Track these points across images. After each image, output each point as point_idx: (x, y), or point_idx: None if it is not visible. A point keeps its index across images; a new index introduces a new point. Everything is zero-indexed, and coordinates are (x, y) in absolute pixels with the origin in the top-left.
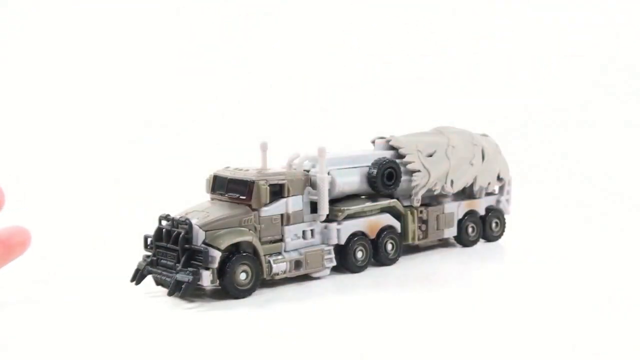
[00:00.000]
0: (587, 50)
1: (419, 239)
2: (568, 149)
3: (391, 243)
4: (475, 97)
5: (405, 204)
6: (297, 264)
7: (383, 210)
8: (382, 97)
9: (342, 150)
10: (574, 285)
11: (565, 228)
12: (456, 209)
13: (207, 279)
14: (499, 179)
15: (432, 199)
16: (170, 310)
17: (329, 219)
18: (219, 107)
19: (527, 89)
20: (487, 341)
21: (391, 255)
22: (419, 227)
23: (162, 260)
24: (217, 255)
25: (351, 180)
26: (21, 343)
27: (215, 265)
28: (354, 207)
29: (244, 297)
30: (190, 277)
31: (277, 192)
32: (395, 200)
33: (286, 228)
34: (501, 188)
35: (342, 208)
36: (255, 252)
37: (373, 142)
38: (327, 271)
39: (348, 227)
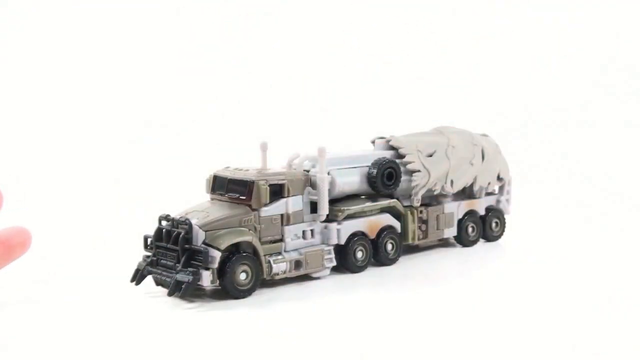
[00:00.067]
0: (587, 50)
1: (419, 239)
2: (568, 149)
3: (391, 243)
4: (475, 97)
5: (405, 204)
6: (297, 264)
7: (383, 210)
8: (382, 97)
9: (342, 150)
10: (574, 285)
11: (565, 228)
12: (456, 209)
13: (207, 279)
14: (499, 178)
15: (432, 199)
16: (170, 310)
17: (329, 219)
18: (219, 107)
19: (527, 89)
20: (487, 341)
21: (391, 255)
22: (419, 227)
23: (162, 261)
24: (217, 255)
25: (351, 180)
26: (21, 343)
27: (215, 265)
28: (354, 207)
29: (244, 297)
30: (190, 277)
31: (277, 192)
32: (395, 200)
33: (286, 228)
34: (501, 188)
35: (342, 208)
36: (255, 252)
37: (373, 142)
38: (327, 271)
39: (348, 227)
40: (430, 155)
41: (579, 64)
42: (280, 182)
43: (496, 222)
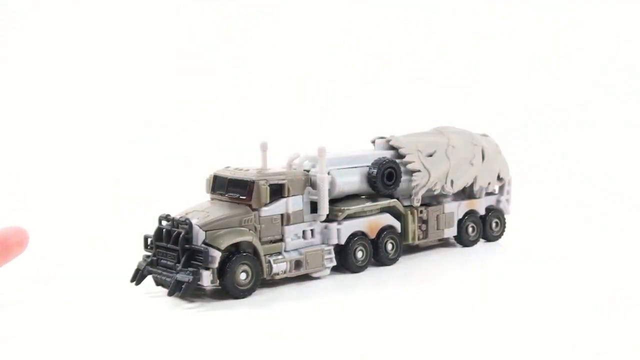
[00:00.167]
0: (587, 50)
1: (419, 239)
2: (568, 149)
3: (391, 243)
4: (475, 97)
5: (406, 203)
6: (297, 263)
7: (383, 210)
8: (382, 97)
9: (342, 150)
10: (574, 285)
11: (565, 228)
12: (456, 209)
13: (207, 279)
14: (499, 178)
15: (432, 199)
16: (170, 310)
17: (329, 219)
18: (219, 107)
19: (527, 89)
20: (487, 341)
21: (391, 255)
22: (419, 227)
23: (162, 260)
24: (217, 255)
25: (351, 180)
26: (21, 343)
27: (216, 265)
28: (354, 207)
29: (244, 297)
30: (191, 277)
31: (277, 192)
32: (395, 200)
33: (286, 228)
34: (501, 188)
35: (342, 208)
36: (255, 252)
37: (373, 142)
38: (327, 271)
39: (348, 227)
40: (431, 155)
41: (579, 64)
42: (280, 182)
43: (496, 222)
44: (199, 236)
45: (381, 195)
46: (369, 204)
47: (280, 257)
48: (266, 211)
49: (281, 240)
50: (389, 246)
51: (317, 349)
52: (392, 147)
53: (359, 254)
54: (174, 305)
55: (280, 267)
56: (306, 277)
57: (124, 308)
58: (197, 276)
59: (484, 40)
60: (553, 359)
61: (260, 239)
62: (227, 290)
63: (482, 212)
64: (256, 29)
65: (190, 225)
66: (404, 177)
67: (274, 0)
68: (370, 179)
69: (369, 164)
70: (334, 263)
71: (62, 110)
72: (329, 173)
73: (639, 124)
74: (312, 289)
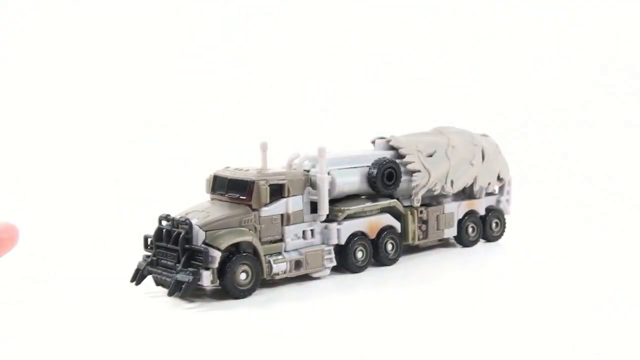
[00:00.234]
0: (587, 50)
1: (419, 239)
2: (568, 149)
3: (391, 243)
4: (475, 97)
5: (406, 204)
6: (297, 264)
7: (383, 210)
8: (382, 97)
9: (342, 150)
10: (574, 285)
11: (565, 228)
12: (456, 209)
13: (207, 279)
14: (499, 179)
15: (432, 199)
16: (170, 310)
17: (329, 219)
18: (219, 107)
19: (527, 89)
20: (487, 341)
21: (391, 255)
22: (419, 227)
23: (162, 261)
24: (217, 255)
25: (351, 180)
26: (21, 343)
27: (216, 265)
28: (354, 207)
29: (244, 297)
30: (191, 277)
31: (277, 192)
32: (395, 200)
33: (286, 228)
34: (501, 188)
35: (342, 208)
36: (255, 252)
37: (373, 142)
38: (327, 271)
39: (348, 227)
40: (431, 156)
41: (579, 64)
42: (280, 182)
43: (496, 222)
44: (199, 236)
45: (381, 196)
46: (369, 204)
47: (280, 257)
48: (266, 211)
49: (281, 240)
50: (389, 246)
51: (317, 349)
52: (392, 147)
53: (359, 254)
54: (174, 305)
55: (280, 267)
56: (306, 277)
57: (124, 308)
58: (197, 276)
59: (484, 40)
60: (553, 359)
61: (260, 239)
62: (227, 290)
63: (482, 212)
64: (256, 29)
65: (190, 225)
66: (404, 177)
67: (274, 0)
68: (370, 179)
69: (369, 164)
70: (334, 263)
71: (62, 110)
72: (329, 173)
73: (639, 124)
74: (312, 289)
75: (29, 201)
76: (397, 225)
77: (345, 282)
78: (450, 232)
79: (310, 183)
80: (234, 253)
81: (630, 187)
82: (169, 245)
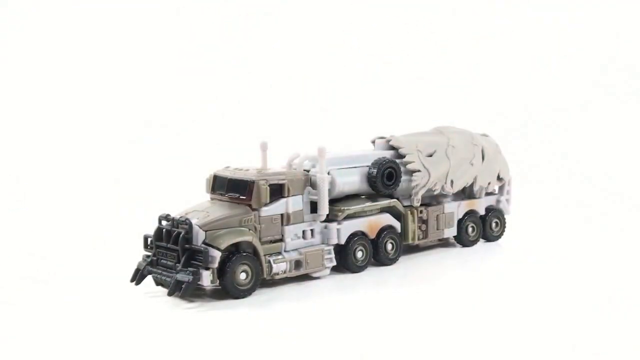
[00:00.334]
0: (587, 50)
1: (419, 239)
2: (568, 149)
3: (391, 243)
4: (475, 97)
5: (405, 203)
6: (297, 263)
7: (383, 210)
8: (382, 97)
9: (342, 150)
10: (574, 285)
11: (565, 228)
12: (456, 209)
13: (207, 278)
14: (499, 178)
15: (432, 199)
16: (170, 310)
17: (329, 219)
18: (219, 107)
19: (527, 89)
20: (487, 341)
21: (391, 255)
22: (419, 227)
23: (162, 260)
24: (217, 255)
25: (351, 180)
26: (21, 343)
27: (215, 265)
28: (354, 207)
29: (244, 297)
30: (190, 277)
31: (277, 192)
32: (395, 200)
33: (286, 228)
34: (501, 188)
35: (342, 208)
36: (255, 252)
37: (373, 142)
38: (327, 271)
39: (348, 227)
40: (430, 155)
41: (579, 64)
42: (280, 182)
43: (496, 222)
44: (199, 236)
45: (381, 195)
46: (369, 204)
47: (280, 257)
48: (266, 211)
49: (281, 240)
50: (389, 246)
51: (317, 349)
52: (392, 147)
53: (359, 254)
54: (174, 305)
55: (280, 267)
56: (306, 277)
57: (124, 308)
58: (197, 276)
59: (484, 40)
60: (553, 359)
61: (260, 238)
62: (227, 290)
63: (482, 212)
64: (256, 29)
65: (190, 225)
66: (403, 177)
67: (274, 0)
68: (370, 179)
69: (369, 164)
70: (334, 263)
71: (62, 110)
72: (329, 173)
73: (639, 124)
74: (312, 289)
75: (29, 201)
76: (397, 225)
77: (345, 282)
78: (450, 232)
79: (310, 183)
80: (233, 253)
81: (630, 187)
82: (169, 245)
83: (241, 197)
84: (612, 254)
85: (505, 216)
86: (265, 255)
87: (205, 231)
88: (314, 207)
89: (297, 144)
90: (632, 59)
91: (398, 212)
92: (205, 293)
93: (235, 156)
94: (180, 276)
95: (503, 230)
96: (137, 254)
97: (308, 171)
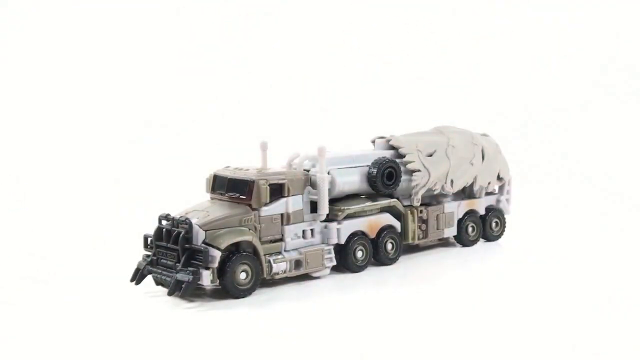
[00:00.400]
0: (587, 50)
1: (419, 239)
2: (568, 149)
3: (391, 243)
4: (475, 97)
5: (405, 203)
6: (297, 263)
7: (383, 209)
8: (382, 97)
9: (342, 150)
10: (574, 285)
11: (565, 228)
12: (456, 209)
13: (207, 278)
14: (499, 178)
15: (432, 199)
16: (170, 310)
17: (329, 219)
18: (219, 107)
19: (527, 89)
20: (487, 341)
21: (391, 254)
22: (419, 227)
23: (162, 260)
24: (217, 254)
25: (351, 180)
26: (21, 343)
27: (215, 264)
28: (354, 207)
29: (244, 296)
30: (191, 277)
31: (277, 191)
32: (395, 199)
33: (286, 227)
34: (501, 188)
35: (342, 207)
36: (255, 251)
37: (373, 141)
38: (327, 271)
39: (348, 227)
40: (430, 155)
41: (579, 64)
42: (280, 181)
43: (496, 222)
44: (199, 236)
45: (381, 195)
46: (369, 203)
47: (280, 256)
48: (266, 211)
49: (281, 239)
50: (389, 246)
51: (317, 349)
52: (392, 147)
53: (359, 254)
54: (174, 305)
55: (280, 266)
56: (306, 277)
57: (124, 308)
58: (197, 276)
59: (484, 40)
60: (553, 359)
61: (260, 238)
62: (227, 290)
63: (482, 211)
64: (256, 29)
65: (190, 224)
66: (403, 177)
67: (274, 0)
68: (370, 179)
69: (369, 164)
70: (334, 263)
71: (62, 110)
72: (328, 173)
73: (639, 124)
74: (312, 288)
75: (29, 201)
76: (397, 224)
77: (345, 282)
78: (450, 232)
79: (310, 182)
80: (233, 252)
81: (630, 187)
82: (169, 245)
83: (241, 196)
84: (612, 254)
85: (505, 216)
86: (265, 255)
87: (205, 231)
88: (314, 206)
89: (297, 144)
90: (632, 59)
91: (398, 212)
92: (205, 293)
93: (235, 156)
94: (180, 276)
95: (503, 230)
96: (137, 254)
97: (308, 171)
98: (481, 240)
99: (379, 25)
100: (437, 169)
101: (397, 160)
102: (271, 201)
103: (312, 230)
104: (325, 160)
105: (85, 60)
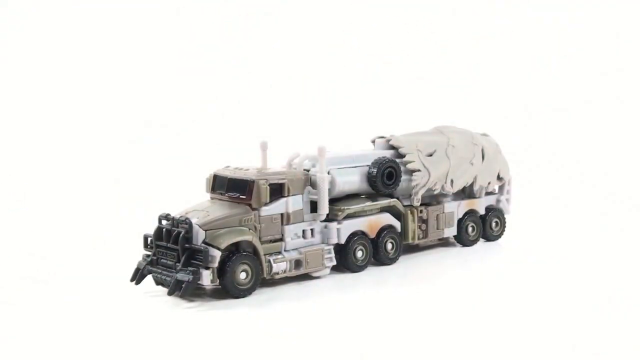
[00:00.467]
0: (587, 50)
1: (419, 239)
2: (568, 149)
3: (391, 242)
4: (475, 97)
5: (405, 203)
6: (297, 263)
7: (383, 209)
8: (382, 97)
9: (342, 150)
10: (574, 285)
11: (565, 228)
12: (456, 209)
13: (207, 278)
14: (499, 178)
15: (432, 199)
16: (170, 310)
17: (329, 219)
18: (219, 107)
19: (527, 89)
20: (487, 341)
21: (391, 254)
22: (419, 227)
23: (162, 260)
24: (217, 254)
25: (351, 180)
26: (21, 343)
27: (215, 264)
28: (354, 207)
29: (244, 296)
30: (190, 277)
31: (277, 191)
32: (395, 199)
33: (286, 227)
34: (501, 187)
35: (342, 207)
36: (255, 251)
37: (373, 141)
38: (327, 270)
39: (348, 227)
40: (430, 155)
41: (579, 64)
42: (280, 181)
43: (496, 222)
44: (199, 235)
45: (381, 195)
46: (369, 203)
47: (280, 256)
48: (266, 211)
49: (281, 239)
50: (389, 246)
51: (317, 349)
52: (392, 147)
53: (359, 254)
54: (174, 304)
55: (280, 266)
56: (306, 277)
57: (124, 308)
58: (197, 275)
59: (484, 40)
60: (553, 359)
61: (260, 238)
62: (227, 290)
63: (482, 211)
64: (256, 29)
65: (190, 224)
66: (403, 177)
67: (274, 0)
68: (370, 179)
69: (369, 164)
70: (334, 262)
71: (62, 111)
72: (328, 172)
73: (639, 124)
74: (312, 288)
75: (29, 201)
76: (397, 224)
77: (345, 282)
78: (450, 232)
79: (310, 182)
80: (233, 252)
81: (630, 187)
82: (169, 245)
83: (241, 196)
84: (612, 254)
85: (505, 216)
86: (265, 254)
87: (205, 230)
88: (314, 206)
89: (297, 144)
90: (632, 59)
91: (398, 212)
92: (205, 293)
93: (235, 156)
94: (180, 276)
95: (503, 230)
96: (137, 254)
97: (308, 171)
98: (481, 240)
99: (379, 25)
100: (437, 169)
101: (397, 160)
102: (271, 201)
103: (312, 230)
104: (325, 160)
105: (85, 60)
